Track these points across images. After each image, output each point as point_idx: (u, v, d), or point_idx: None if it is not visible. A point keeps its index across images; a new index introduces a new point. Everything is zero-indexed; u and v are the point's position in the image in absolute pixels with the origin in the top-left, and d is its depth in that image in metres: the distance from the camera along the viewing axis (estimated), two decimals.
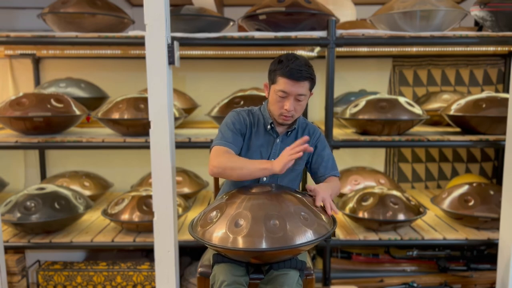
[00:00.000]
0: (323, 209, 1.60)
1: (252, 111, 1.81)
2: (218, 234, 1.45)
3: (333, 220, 1.58)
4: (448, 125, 3.23)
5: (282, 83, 1.63)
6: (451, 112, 2.82)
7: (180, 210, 2.74)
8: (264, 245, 1.38)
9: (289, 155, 1.53)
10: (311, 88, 1.69)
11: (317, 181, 1.81)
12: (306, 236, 1.42)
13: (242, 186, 1.68)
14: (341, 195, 3.17)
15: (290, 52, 1.69)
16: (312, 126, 1.83)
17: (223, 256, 1.55)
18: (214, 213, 1.53)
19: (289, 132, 1.77)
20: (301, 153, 1.52)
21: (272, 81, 1.69)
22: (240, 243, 1.40)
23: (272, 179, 1.76)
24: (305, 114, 3.69)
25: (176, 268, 2.37)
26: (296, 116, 1.71)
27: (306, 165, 1.83)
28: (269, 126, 1.75)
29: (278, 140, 1.76)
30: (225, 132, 1.73)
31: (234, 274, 1.52)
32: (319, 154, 1.79)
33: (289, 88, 1.63)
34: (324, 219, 1.53)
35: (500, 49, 3.32)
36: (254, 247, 1.38)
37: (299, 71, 1.61)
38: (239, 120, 1.75)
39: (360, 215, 2.71)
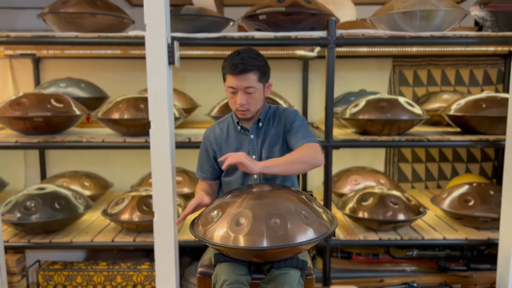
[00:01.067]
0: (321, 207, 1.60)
1: (221, 122, 1.88)
2: (219, 233, 1.45)
3: (334, 219, 1.58)
4: (448, 125, 3.23)
5: (229, 79, 1.69)
6: (451, 112, 2.82)
7: (180, 210, 2.74)
8: (265, 244, 1.39)
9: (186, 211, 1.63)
10: (261, 79, 1.71)
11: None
12: (307, 235, 1.43)
13: (243, 186, 1.68)
14: (341, 195, 3.17)
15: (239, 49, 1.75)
16: (282, 109, 1.84)
17: (224, 255, 1.55)
18: (215, 212, 1.54)
19: (260, 124, 1.79)
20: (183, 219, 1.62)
21: (223, 79, 1.75)
22: (241, 242, 1.40)
23: (261, 174, 1.77)
24: (305, 114, 3.69)
25: (176, 268, 2.37)
26: (253, 108, 1.73)
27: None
28: (238, 127, 1.79)
29: (252, 136, 1.79)
30: (199, 160, 1.88)
31: (236, 273, 1.52)
32: (290, 128, 1.77)
33: (235, 82, 1.67)
34: (324, 218, 1.53)
35: (500, 49, 3.32)
36: (255, 246, 1.39)
37: (240, 64, 1.65)
38: (205, 142, 1.85)
39: (360, 215, 2.71)
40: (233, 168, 1.77)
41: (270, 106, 1.85)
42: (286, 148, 1.78)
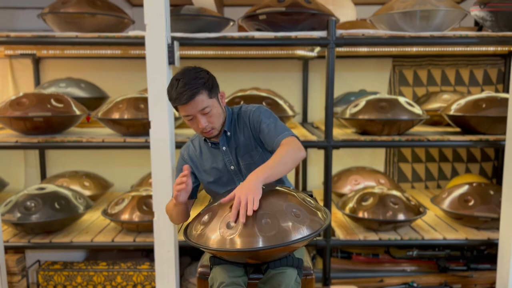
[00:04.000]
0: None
1: (193, 139, 1.86)
2: (211, 237, 1.45)
3: (327, 214, 1.57)
4: (448, 125, 3.23)
5: (180, 110, 1.64)
6: (451, 112, 2.82)
7: None
8: (257, 245, 1.38)
9: (175, 190, 1.61)
10: (211, 95, 1.64)
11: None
12: (299, 232, 1.42)
13: (232, 188, 1.67)
14: (341, 195, 3.17)
15: (176, 73, 1.67)
16: (245, 110, 1.77)
17: (220, 258, 1.55)
18: (207, 216, 1.54)
19: (229, 133, 1.75)
20: (183, 185, 1.58)
21: (175, 109, 1.69)
22: (234, 244, 1.40)
23: (239, 175, 1.77)
24: (305, 114, 3.69)
25: (176, 268, 2.37)
26: (217, 125, 1.68)
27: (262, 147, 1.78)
28: (209, 143, 1.77)
29: (224, 148, 1.76)
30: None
31: (232, 275, 1.52)
32: (261, 130, 1.72)
33: (188, 110, 1.62)
34: (317, 214, 1.52)
35: (500, 49, 3.31)
36: (247, 247, 1.38)
37: (184, 92, 1.58)
38: (180, 161, 1.83)
39: (360, 215, 2.71)
40: (216, 179, 1.78)
41: (233, 110, 1.79)
42: (263, 149, 1.75)
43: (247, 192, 1.43)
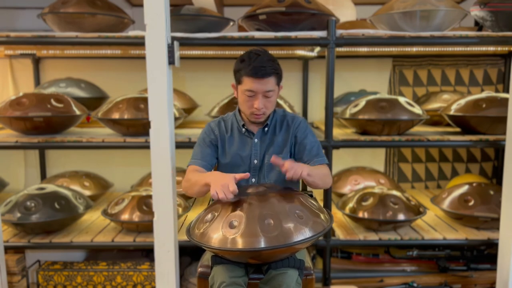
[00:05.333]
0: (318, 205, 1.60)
1: (225, 118, 1.83)
2: (214, 236, 1.45)
3: (330, 217, 1.58)
4: (448, 125, 3.23)
5: (248, 82, 1.63)
6: (451, 112, 2.82)
7: (180, 210, 2.74)
8: (259, 245, 1.38)
9: (220, 195, 1.48)
10: (278, 83, 1.68)
11: None
12: (302, 234, 1.42)
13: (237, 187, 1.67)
14: (341, 195, 3.17)
15: (252, 49, 1.69)
16: (291, 115, 1.81)
17: (221, 257, 1.55)
18: (210, 215, 1.54)
19: (266, 129, 1.77)
20: (231, 195, 1.48)
21: (238, 81, 1.68)
22: (236, 244, 1.40)
23: (260, 178, 1.76)
24: (305, 114, 3.69)
25: (176, 268, 2.37)
26: (268, 112, 1.71)
27: (292, 157, 1.80)
28: (243, 129, 1.76)
29: (256, 140, 1.76)
30: (196, 149, 1.79)
31: (232, 275, 1.52)
32: (300, 143, 1.76)
33: (256, 86, 1.62)
34: (320, 216, 1.53)
35: (500, 49, 3.31)
36: (250, 247, 1.38)
37: (263, 68, 1.60)
38: (208, 132, 1.80)
39: (360, 215, 2.71)
40: (234, 165, 1.76)
41: (276, 110, 1.82)
42: (289, 157, 1.77)
43: (297, 167, 1.51)
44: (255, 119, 1.71)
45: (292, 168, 1.52)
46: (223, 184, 1.48)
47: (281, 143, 1.76)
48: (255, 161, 1.76)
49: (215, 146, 1.79)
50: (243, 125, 1.77)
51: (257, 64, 1.60)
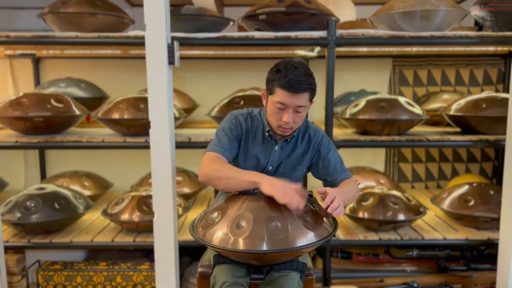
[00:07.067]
0: (325, 210, 1.60)
1: (252, 115, 1.74)
2: (219, 235, 1.44)
3: (335, 222, 1.58)
4: (448, 125, 3.23)
5: (280, 94, 1.54)
6: (451, 112, 2.82)
7: (180, 210, 2.74)
8: (265, 247, 1.38)
9: (294, 199, 1.43)
10: (311, 98, 1.60)
11: (329, 186, 1.72)
12: (308, 238, 1.42)
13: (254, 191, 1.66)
14: None
15: (288, 59, 1.60)
16: (314, 128, 1.75)
17: (224, 257, 1.55)
18: (216, 214, 1.53)
19: (289, 139, 1.72)
20: (297, 205, 1.44)
21: (269, 91, 1.60)
22: (242, 245, 1.40)
23: None
24: None
25: (176, 268, 2.37)
26: (296, 127, 1.64)
27: (310, 170, 1.79)
28: (267, 134, 1.69)
29: (276, 147, 1.71)
30: (221, 137, 1.67)
31: (234, 275, 1.52)
32: (324, 158, 1.73)
33: (288, 100, 1.54)
34: (325, 221, 1.53)
35: (500, 49, 3.31)
36: (256, 249, 1.38)
37: (299, 82, 1.51)
38: (236, 125, 1.69)
39: (360, 215, 2.71)
40: (247, 166, 1.72)
41: None
42: (306, 170, 1.76)
43: (339, 195, 1.51)
44: (281, 132, 1.64)
45: (331, 193, 1.50)
46: (291, 192, 1.45)
47: (300, 155, 1.73)
48: (270, 168, 1.72)
49: (239, 140, 1.71)
50: (268, 131, 1.69)
51: (293, 77, 1.51)
